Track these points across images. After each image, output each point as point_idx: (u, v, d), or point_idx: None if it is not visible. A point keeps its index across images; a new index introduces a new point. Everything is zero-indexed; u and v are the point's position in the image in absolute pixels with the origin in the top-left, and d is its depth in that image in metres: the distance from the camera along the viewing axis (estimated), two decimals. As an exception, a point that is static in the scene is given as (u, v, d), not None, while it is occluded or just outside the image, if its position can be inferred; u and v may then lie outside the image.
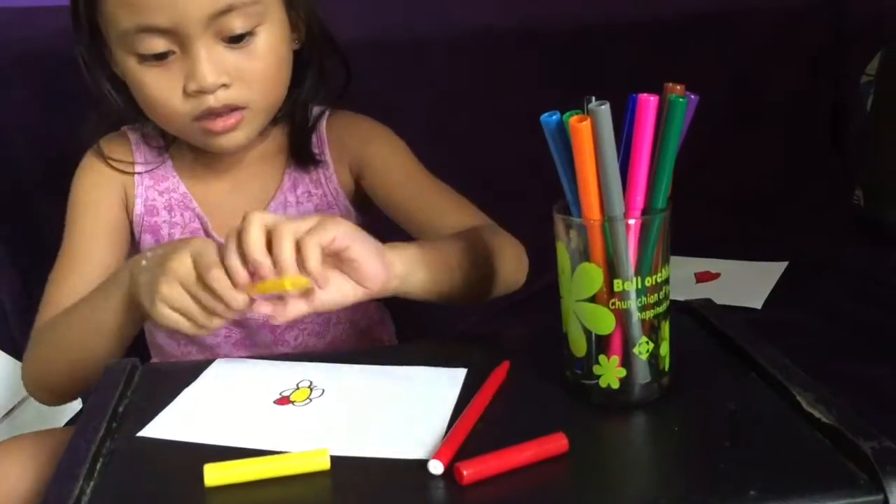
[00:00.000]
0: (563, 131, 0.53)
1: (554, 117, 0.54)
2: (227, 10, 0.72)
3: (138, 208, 0.86)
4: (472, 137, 1.33)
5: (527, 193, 1.31)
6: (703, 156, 1.31)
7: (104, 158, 0.85)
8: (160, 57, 0.73)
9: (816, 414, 0.51)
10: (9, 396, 1.06)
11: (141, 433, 0.56)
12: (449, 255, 0.73)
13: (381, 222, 0.90)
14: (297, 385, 0.61)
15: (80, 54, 0.80)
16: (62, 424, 1.04)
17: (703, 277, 1.25)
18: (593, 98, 0.53)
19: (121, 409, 0.59)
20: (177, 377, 0.63)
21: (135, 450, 0.54)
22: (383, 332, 0.99)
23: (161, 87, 0.75)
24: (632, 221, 0.54)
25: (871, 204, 1.48)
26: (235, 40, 0.74)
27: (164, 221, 0.87)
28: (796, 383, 0.55)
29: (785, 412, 0.53)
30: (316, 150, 0.88)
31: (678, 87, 0.53)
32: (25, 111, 1.16)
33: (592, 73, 1.30)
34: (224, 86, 0.74)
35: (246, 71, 0.75)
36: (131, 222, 0.87)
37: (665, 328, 0.57)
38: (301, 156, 0.87)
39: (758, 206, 1.35)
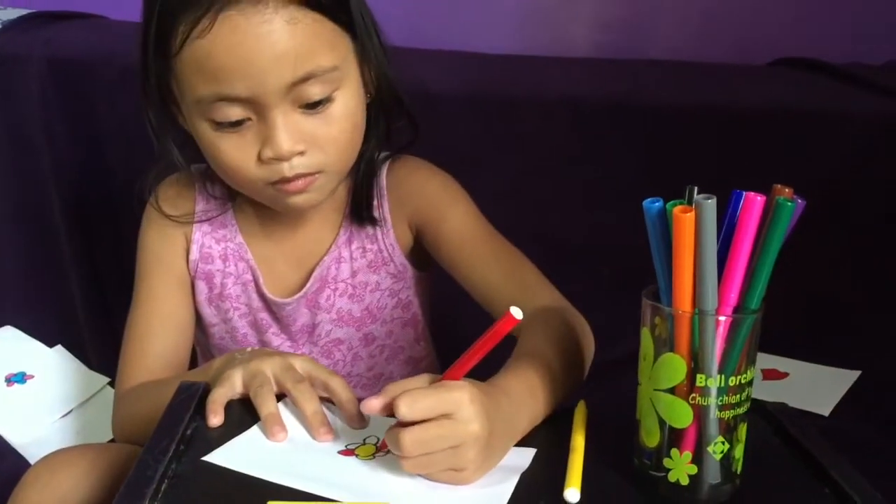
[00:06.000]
0: (663, 219, 0.53)
1: (657, 204, 0.54)
2: (306, 79, 0.70)
3: (194, 254, 0.87)
4: (550, 201, 1.33)
5: (598, 263, 1.31)
6: (784, 252, 1.28)
7: (164, 214, 0.86)
8: (236, 124, 0.72)
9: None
10: (71, 397, 1.09)
11: (206, 458, 0.57)
12: (554, 377, 0.67)
13: (441, 277, 0.88)
14: (364, 440, 0.61)
15: (148, 119, 0.78)
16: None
17: (770, 375, 1.22)
18: (696, 189, 0.53)
19: (189, 432, 0.60)
20: (246, 408, 0.64)
21: (199, 475, 0.55)
22: None
23: (235, 154, 0.73)
24: (723, 318, 0.53)
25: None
26: (312, 106, 0.72)
27: (219, 270, 0.87)
28: (874, 508, 0.53)
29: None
30: (374, 203, 0.86)
31: (787, 190, 0.53)
32: (125, 123, 1.21)
33: (676, 154, 1.29)
34: (300, 153, 0.73)
35: (322, 137, 0.74)
36: (187, 266, 0.87)
37: (742, 430, 0.56)
38: (359, 213, 0.86)
39: (835, 310, 1.32)
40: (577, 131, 1.29)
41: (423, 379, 0.58)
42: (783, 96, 1.34)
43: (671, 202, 0.53)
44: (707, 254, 0.51)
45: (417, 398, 0.54)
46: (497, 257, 0.84)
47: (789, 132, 1.30)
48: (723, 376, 0.53)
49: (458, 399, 0.54)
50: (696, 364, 0.53)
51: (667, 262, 0.54)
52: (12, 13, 1.33)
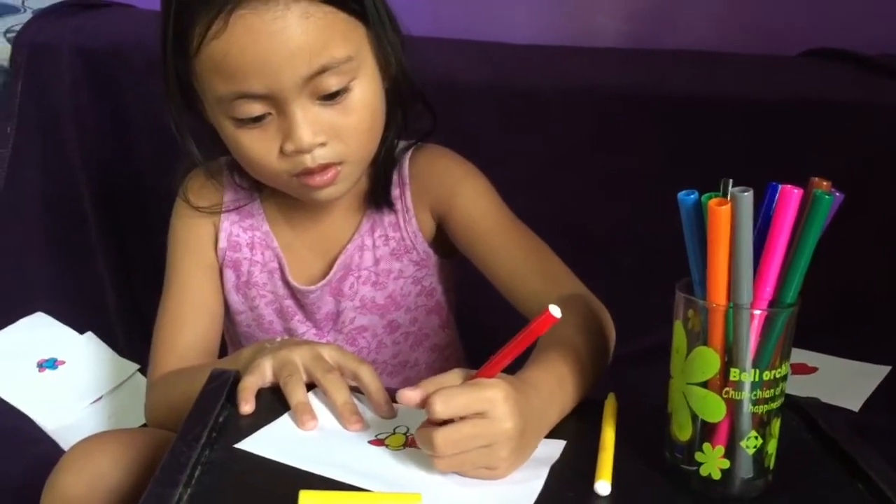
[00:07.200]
0: (698, 211, 0.53)
1: (692, 196, 0.53)
2: (321, 71, 0.71)
3: (222, 242, 0.88)
4: (573, 192, 1.32)
5: (621, 254, 1.31)
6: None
7: (192, 206, 0.87)
8: (257, 119, 0.73)
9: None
10: (102, 383, 1.10)
11: (238, 445, 0.57)
12: (582, 367, 0.66)
13: (465, 264, 0.88)
14: (394, 430, 0.61)
15: (171, 116, 0.79)
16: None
17: (799, 370, 1.21)
18: (731, 181, 0.53)
19: (221, 420, 0.60)
20: (276, 396, 0.65)
21: (232, 462, 0.55)
22: None
23: (259, 149, 0.74)
24: (757, 312, 0.52)
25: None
26: (330, 97, 0.73)
27: (246, 258, 0.88)
28: (908, 504, 0.53)
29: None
30: (396, 191, 0.86)
31: (825, 183, 0.52)
32: (154, 112, 1.21)
33: (701, 146, 1.28)
34: (321, 144, 0.73)
35: (342, 127, 0.74)
36: (216, 255, 0.88)
37: (776, 425, 0.55)
38: (375, 198, 0.86)
39: (864, 304, 1.30)
40: (600, 122, 1.28)
41: (457, 375, 0.58)
42: (813, 87, 1.32)
43: (706, 195, 0.52)
44: (743, 247, 0.51)
45: (452, 396, 0.54)
46: (519, 246, 0.84)
47: (819, 123, 1.28)
48: (757, 371, 0.53)
49: (493, 397, 0.54)
50: (730, 358, 0.53)
51: (701, 255, 0.53)
52: (43, 2, 1.34)
